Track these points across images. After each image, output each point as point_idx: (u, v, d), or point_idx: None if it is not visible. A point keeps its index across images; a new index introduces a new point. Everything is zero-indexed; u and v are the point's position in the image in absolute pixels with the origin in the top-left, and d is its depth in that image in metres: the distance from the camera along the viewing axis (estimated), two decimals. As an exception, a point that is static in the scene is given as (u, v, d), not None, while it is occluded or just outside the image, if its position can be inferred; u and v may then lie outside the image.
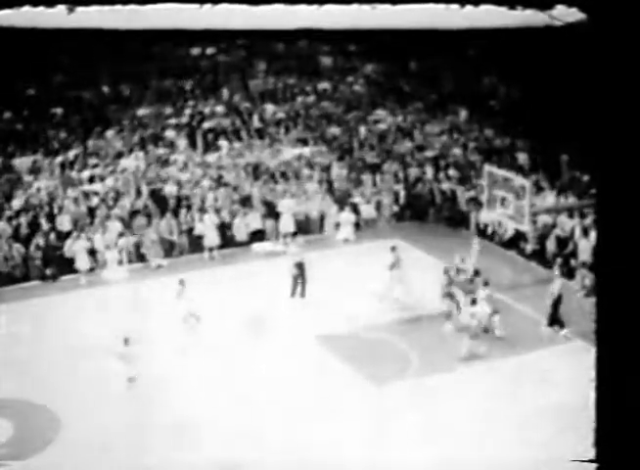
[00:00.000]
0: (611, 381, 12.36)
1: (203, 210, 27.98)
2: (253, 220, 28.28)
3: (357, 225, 28.99)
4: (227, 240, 27.82)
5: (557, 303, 21.67)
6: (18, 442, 17.66)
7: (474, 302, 21.03)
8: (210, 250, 27.32)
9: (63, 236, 26.54)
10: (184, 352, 20.94)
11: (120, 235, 26.76)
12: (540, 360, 20.24)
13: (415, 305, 23.30)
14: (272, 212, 28.57)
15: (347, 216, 28.49)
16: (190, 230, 27.69)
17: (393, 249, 24.26)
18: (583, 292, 23.65)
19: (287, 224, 28.30)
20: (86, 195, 28.30)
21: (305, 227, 28.99)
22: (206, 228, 27.38)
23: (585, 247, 24.57)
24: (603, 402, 12.34)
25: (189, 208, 28.12)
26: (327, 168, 31.03)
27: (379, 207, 29.91)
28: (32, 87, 33.28)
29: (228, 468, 16.37)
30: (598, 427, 12.35)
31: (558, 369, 19.40)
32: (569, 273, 24.56)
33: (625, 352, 12.49)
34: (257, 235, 28.18)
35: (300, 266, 23.99)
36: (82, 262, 25.91)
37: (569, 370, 18.90)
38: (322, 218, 29.27)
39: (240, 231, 28.01)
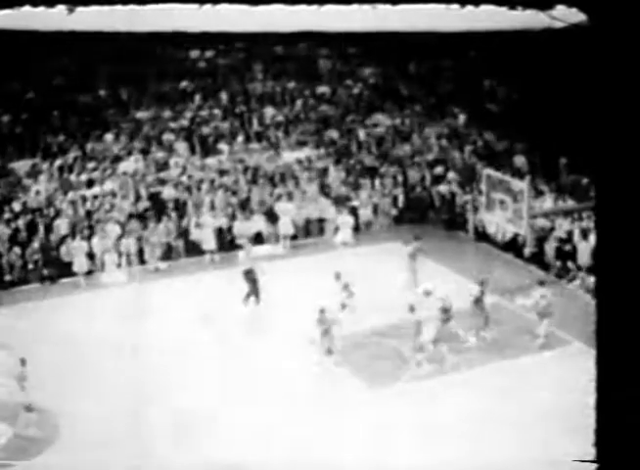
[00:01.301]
0: (611, 382, 12.36)
1: (201, 213, 27.99)
2: (255, 223, 28.25)
3: (357, 229, 28.98)
4: (226, 243, 27.79)
5: None
6: (17, 443, 17.63)
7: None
8: (212, 252, 27.30)
9: (61, 239, 26.55)
10: (184, 353, 20.92)
11: (119, 238, 26.78)
12: (540, 364, 20.23)
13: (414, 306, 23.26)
14: (271, 216, 28.57)
15: (346, 219, 28.47)
16: (186, 233, 27.69)
17: (417, 238, 24.81)
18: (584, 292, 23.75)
19: (286, 227, 28.30)
20: (84, 198, 28.29)
21: (306, 230, 29.02)
22: (204, 232, 27.38)
23: (584, 249, 24.60)
24: (603, 403, 12.34)
25: (183, 211, 28.17)
26: (325, 172, 31.06)
27: (376, 210, 29.91)
28: (31, 90, 33.23)
29: (227, 468, 16.38)
30: (598, 427, 12.34)
31: (557, 372, 19.37)
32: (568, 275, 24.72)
33: (625, 353, 12.49)
34: (256, 238, 28.17)
35: (249, 273, 23.76)
36: (80, 265, 25.92)
37: (569, 371, 18.89)
38: (321, 222, 29.28)
39: (240, 234, 28.00)
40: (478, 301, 21.80)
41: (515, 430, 17.37)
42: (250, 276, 23.58)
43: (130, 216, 27.67)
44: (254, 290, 23.54)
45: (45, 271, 25.99)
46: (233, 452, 16.90)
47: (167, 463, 16.73)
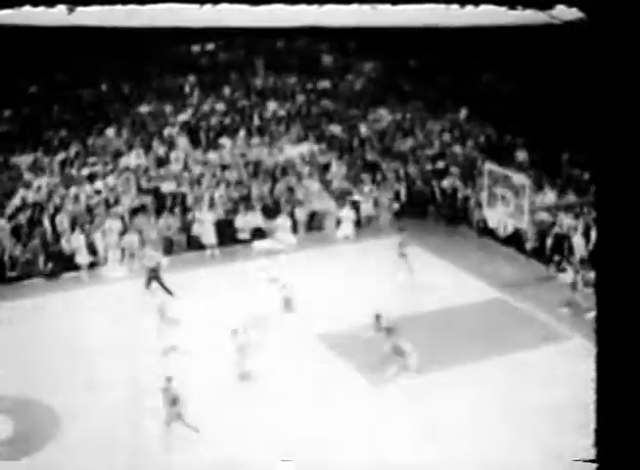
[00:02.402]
0: (611, 381, 12.35)
1: (202, 208, 28.01)
2: (255, 218, 28.22)
3: (358, 223, 28.96)
4: (228, 238, 27.80)
5: None
6: (18, 440, 17.68)
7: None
8: (212, 247, 27.30)
9: (62, 234, 26.56)
10: (184, 350, 20.91)
11: (122, 233, 26.76)
12: (540, 360, 20.22)
13: (414, 303, 23.30)
14: (272, 211, 28.51)
15: (347, 213, 28.48)
16: (188, 228, 27.69)
17: (401, 229, 25.56)
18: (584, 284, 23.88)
19: (285, 239, 28.13)
20: (86, 193, 28.28)
21: (307, 225, 29.01)
22: (205, 227, 27.38)
23: (580, 244, 24.60)
24: (603, 402, 12.33)
25: (184, 205, 28.19)
26: (327, 166, 31.05)
27: (377, 204, 29.87)
28: (33, 85, 33.25)
29: (227, 468, 16.41)
30: (598, 427, 12.33)
31: (558, 369, 19.37)
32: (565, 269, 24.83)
33: (625, 351, 12.48)
34: (258, 233, 28.14)
35: (154, 271, 24.12)
36: (82, 257, 25.94)
37: (569, 370, 18.89)
38: (323, 216, 29.26)
39: (242, 229, 27.99)
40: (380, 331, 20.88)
41: (515, 429, 17.40)
42: (153, 274, 24.09)
43: (133, 212, 27.66)
44: (164, 287, 24.03)
45: (48, 265, 26.00)
46: (232, 452, 16.92)
47: (167, 463, 16.76)
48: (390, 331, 19.66)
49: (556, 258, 25.11)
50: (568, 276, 23.18)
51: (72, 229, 26.52)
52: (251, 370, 19.46)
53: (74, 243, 26.10)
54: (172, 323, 21.45)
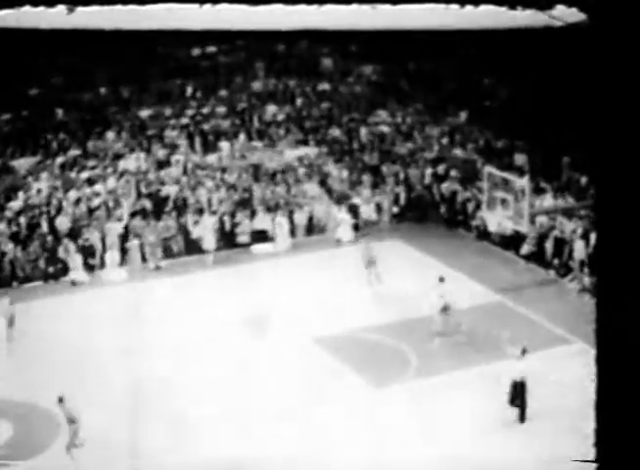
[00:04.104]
0: (611, 381, 12.35)
1: (201, 211, 27.98)
2: (259, 221, 28.16)
3: (357, 226, 28.90)
4: (228, 242, 27.77)
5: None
6: (18, 442, 17.65)
7: None
8: (211, 251, 27.24)
9: (61, 237, 26.54)
10: (183, 352, 20.93)
11: (122, 236, 26.74)
12: (540, 361, 20.16)
13: (414, 305, 23.25)
14: (272, 214, 28.47)
15: (344, 217, 28.45)
16: (187, 231, 27.66)
17: (364, 234, 26.19)
18: (578, 287, 23.82)
19: (282, 244, 28.10)
20: (86, 196, 28.26)
21: (307, 228, 28.98)
22: (205, 230, 27.33)
23: (580, 247, 24.58)
24: (603, 402, 12.33)
25: (183, 209, 28.16)
26: (327, 170, 31.02)
27: (378, 208, 29.84)
28: (32, 88, 33.24)
29: (227, 468, 16.40)
30: (598, 427, 12.33)
31: (558, 370, 19.34)
32: (566, 274, 24.76)
33: (625, 352, 12.48)
34: (258, 237, 28.11)
35: None
36: (80, 263, 25.91)
37: (569, 371, 18.87)
38: (323, 219, 29.23)
39: (242, 233, 27.95)
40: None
41: (515, 430, 17.39)
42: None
43: (133, 215, 27.63)
44: None
45: (50, 270, 25.97)
46: (232, 453, 16.90)
47: (167, 463, 16.74)
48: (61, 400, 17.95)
49: (555, 261, 25.15)
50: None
51: (71, 234, 26.49)
52: None
53: (73, 247, 26.08)
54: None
